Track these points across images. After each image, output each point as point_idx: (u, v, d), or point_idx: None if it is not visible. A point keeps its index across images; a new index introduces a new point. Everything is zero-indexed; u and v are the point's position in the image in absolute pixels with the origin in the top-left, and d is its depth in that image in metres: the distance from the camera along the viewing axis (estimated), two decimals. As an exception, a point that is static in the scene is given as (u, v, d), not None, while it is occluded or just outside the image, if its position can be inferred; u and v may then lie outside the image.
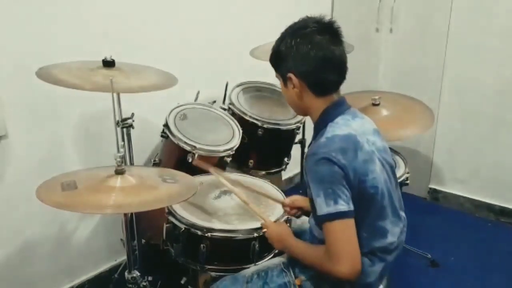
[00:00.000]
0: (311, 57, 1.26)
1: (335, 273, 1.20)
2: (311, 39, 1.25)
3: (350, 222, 1.20)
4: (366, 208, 1.26)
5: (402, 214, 1.38)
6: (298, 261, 1.39)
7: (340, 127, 1.26)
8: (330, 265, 1.21)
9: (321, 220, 1.22)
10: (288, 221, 1.64)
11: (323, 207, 1.19)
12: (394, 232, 1.33)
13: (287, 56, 1.28)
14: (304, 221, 1.66)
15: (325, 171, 1.20)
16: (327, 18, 1.29)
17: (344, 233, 1.20)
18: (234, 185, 1.67)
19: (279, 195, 1.76)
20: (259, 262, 1.57)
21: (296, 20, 1.32)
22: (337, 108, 1.31)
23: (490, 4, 2.62)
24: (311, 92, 1.29)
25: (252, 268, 1.47)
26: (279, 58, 1.31)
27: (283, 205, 1.65)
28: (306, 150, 2.44)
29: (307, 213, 1.60)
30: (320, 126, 1.30)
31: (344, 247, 1.20)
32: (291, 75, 1.28)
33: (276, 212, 1.66)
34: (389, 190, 1.31)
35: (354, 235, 1.20)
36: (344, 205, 1.18)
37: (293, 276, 1.39)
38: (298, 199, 1.62)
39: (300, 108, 1.36)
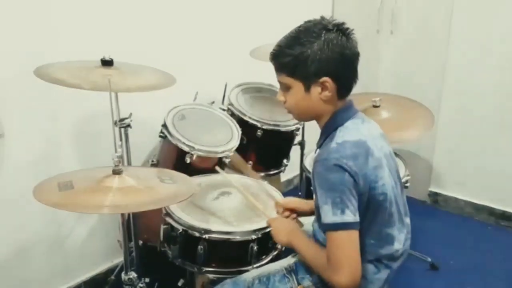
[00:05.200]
0: (346, 57, 1.22)
1: (334, 282, 1.19)
2: (340, 39, 1.21)
3: (355, 234, 1.18)
4: (374, 215, 1.25)
5: (406, 220, 1.37)
6: (300, 266, 1.38)
7: (350, 132, 1.24)
8: (330, 274, 1.20)
9: (325, 228, 1.21)
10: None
11: (329, 216, 1.17)
12: (400, 239, 1.32)
13: (320, 59, 1.19)
14: (302, 221, 1.64)
15: (336, 179, 1.17)
16: (335, 19, 1.26)
17: (347, 244, 1.18)
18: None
19: (277, 195, 1.75)
20: (257, 265, 1.56)
21: (297, 21, 1.28)
22: (347, 112, 1.28)
23: (491, 7, 2.61)
24: (337, 94, 1.25)
25: (253, 272, 1.45)
26: (304, 62, 1.20)
27: (276, 204, 1.63)
28: (305, 151, 2.43)
29: (301, 215, 1.59)
30: (329, 130, 1.27)
31: (346, 258, 1.18)
32: (326, 78, 1.21)
33: (275, 212, 1.64)
34: (396, 196, 1.30)
35: (357, 246, 1.19)
36: (350, 216, 1.17)
37: (295, 282, 1.37)
38: (293, 201, 1.59)
39: (313, 113, 1.30)
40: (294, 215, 1.57)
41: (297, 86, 1.25)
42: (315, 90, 1.24)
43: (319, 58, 1.20)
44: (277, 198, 1.71)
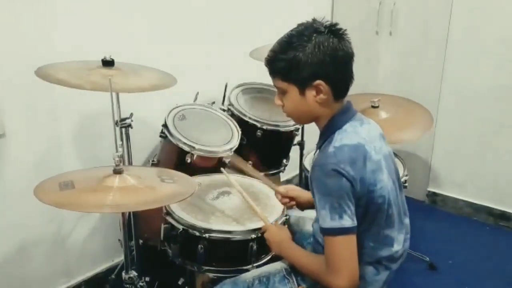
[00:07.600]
0: (339, 58, 1.21)
1: (333, 286, 1.20)
2: (332, 41, 1.20)
3: (352, 238, 1.20)
4: (373, 217, 1.25)
5: (406, 220, 1.37)
6: None
7: (348, 135, 1.24)
8: (329, 278, 1.21)
9: (324, 233, 1.22)
10: (285, 222, 1.64)
11: (327, 221, 1.19)
12: (400, 239, 1.33)
13: (312, 62, 1.19)
14: (302, 220, 1.65)
15: (334, 185, 1.18)
16: (328, 20, 1.26)
17: (346, 249, 1.19)
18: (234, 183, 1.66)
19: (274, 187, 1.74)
20: (257, 264, 1.57)
21: (297, 22, 1.28)
22: (345, 114, 1.28)
23: (489, 9, 2.62)
24: (332, 96, 1.25)
25: (252, 272, 1.46)
26: (297, 66, 1.20)
27: (276, 192, 1.63)
28: (304, 151, 2.44)
29: (300, 205, 1.60)
30: (327, 133, 1.27)
31: (344, 262, 1.19)
32: (320, 81, 1.21)
33: (274, 212, 1.66)
34: (395, 198, 1.30)
35: (355, 250, 1.20)
36: (348, 221, 1.18)
37: (295, 283, 1.38)
38: (293, 189, 1.60)
39: (311, 116, 1.30)
40: (293, 203, 1.59)
41: (293, 90, 1.26)
42: (310, 93, 1.24)
43: (311, 62, 1.19)
44: (276, 187, 1.70)
